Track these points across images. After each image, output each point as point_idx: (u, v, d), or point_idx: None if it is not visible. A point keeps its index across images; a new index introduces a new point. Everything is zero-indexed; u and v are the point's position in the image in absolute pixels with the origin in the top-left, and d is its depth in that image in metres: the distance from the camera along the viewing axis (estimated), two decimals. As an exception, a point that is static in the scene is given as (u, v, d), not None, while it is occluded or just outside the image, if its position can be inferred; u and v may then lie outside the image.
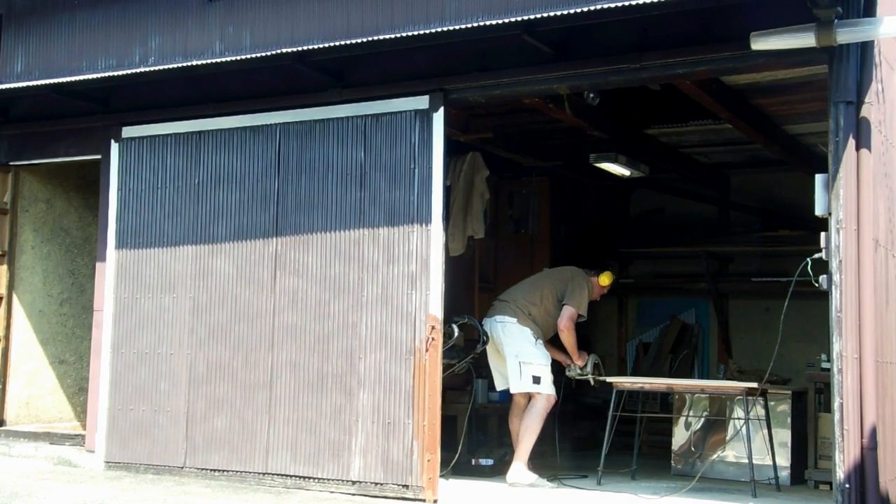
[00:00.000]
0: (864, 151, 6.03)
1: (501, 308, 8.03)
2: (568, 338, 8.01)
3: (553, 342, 8.20)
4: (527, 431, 7.69)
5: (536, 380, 7.77)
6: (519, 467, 7.64)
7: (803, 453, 8.31)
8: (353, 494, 7.21)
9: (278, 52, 7.15)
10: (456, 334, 7.77)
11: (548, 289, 8.08)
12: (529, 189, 10.45)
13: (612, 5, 5.94)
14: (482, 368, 8.47)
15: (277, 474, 7.56)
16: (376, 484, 7.18)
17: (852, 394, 5.91)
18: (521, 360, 7.82)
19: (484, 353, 8.14)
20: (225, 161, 8.10)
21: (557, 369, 8.44)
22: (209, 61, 7.40)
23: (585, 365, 8.23)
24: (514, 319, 7.90)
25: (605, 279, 8.22)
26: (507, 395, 8.26)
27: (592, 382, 8.37)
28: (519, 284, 8.29)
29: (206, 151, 8.19)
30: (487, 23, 6.45)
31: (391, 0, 6.93)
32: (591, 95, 7.52)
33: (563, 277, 8.14)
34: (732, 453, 8.16)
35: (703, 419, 8.42)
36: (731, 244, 10.70)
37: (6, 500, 6.90)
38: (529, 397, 7.85)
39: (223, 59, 7.36)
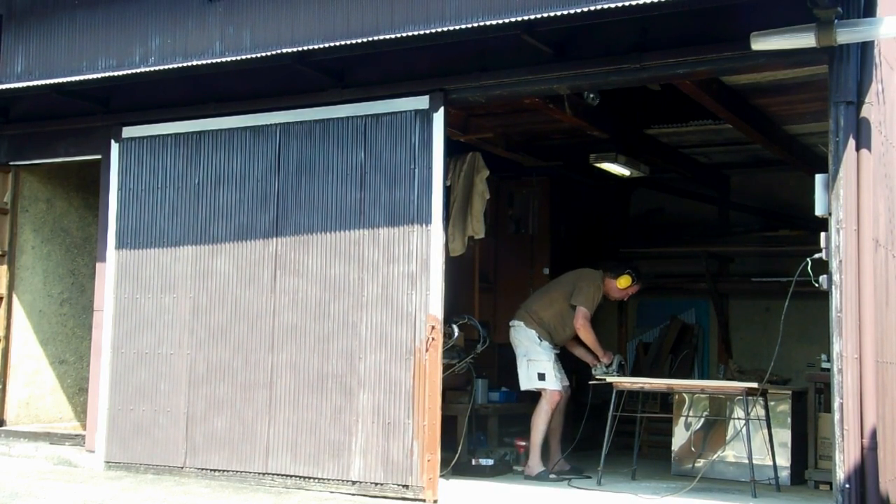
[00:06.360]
0: (864, 152, 6.03)
1: (516, 314, 8.45)
2: (587, 335, 8.27)
3: (579, 343, 8.45)
4: (531, 427, 8.06)
5: (541, 376, 8.15)
6: (531, 461, 8.07)
7: (803, 453, 8.30)
8: (353, 494, 7.21)
9: (278, 52, 7.15)
10: (456, 334, 7.95)
11: (557, 291, 8.39)
12: (529, 189, 10.44)
13: (612, 5, 5.94)
14: (482, 368, 8.54)
15: (277, 474, 7.57)
16: (376, 484, 7.18)
17: (852, 394, 5.91)
18: (528, 358, 8.24)
19: (484, 353, 8.46)
20: (225, 161, 8.10)
21: (575, 368, 8.54)
22: (209, 61, 7.40)
23: (611, 364, 8.33)
24: (522, 323, 8.32)
25: (622, 282, 8.40)
26: (505, 396, 8.41)
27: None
28: (536, 291, 8.73)
29: (207, 151, 8.19)
30: (487, 23, 6.45)
31: (391, 0, 6.93)
32: (591, 95, 7.53)
33: (571, 279, 8.44)
34: (732, 453, 8.15)
35: (703, 419, 8.42)
36: (731, 244, 10.69)
37: (6, 499, 6.90)
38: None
39: (223, 59, 7.36)
